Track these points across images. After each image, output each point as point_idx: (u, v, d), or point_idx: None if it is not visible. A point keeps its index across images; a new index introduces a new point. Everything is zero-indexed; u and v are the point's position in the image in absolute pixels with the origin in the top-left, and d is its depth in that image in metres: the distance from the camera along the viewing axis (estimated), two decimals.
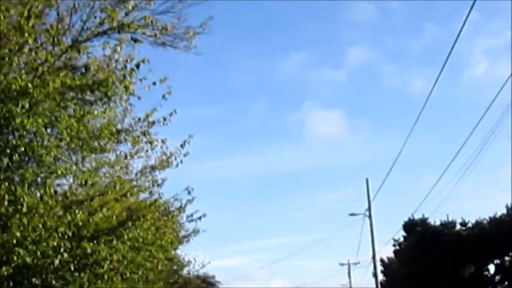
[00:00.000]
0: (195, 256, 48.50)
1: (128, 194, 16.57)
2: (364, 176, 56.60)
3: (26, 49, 13.07)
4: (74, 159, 15.01)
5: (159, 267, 21.08)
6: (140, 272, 18.28)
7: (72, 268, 14.42)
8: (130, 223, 16.08)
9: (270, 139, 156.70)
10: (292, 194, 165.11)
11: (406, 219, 62.62)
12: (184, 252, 42.98)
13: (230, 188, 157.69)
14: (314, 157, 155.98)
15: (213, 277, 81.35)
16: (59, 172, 13.55)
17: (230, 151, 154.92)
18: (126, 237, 15.81)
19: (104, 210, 15.23)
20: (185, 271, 48.99)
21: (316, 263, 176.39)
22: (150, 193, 19.73)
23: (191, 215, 20.78)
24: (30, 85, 12.45)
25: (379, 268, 53.78)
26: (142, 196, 19.91)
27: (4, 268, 13.25)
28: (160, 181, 19.85)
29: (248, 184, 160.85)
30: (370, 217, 45.64)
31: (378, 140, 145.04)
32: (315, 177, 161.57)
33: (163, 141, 17.61)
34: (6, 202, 12.60)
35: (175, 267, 40.57)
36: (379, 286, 47.01)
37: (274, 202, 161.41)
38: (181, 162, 18.67)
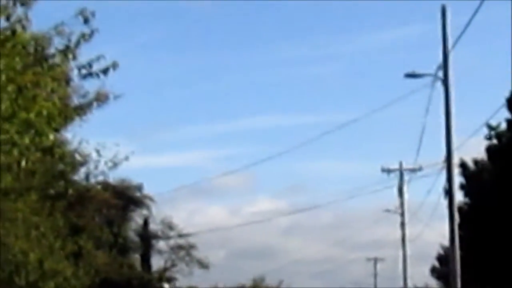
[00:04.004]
0: (99, 145, 31.68)
1: None
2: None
3: None
4: None
5: (23, 163, 14.82)
6: None
7: None
8: None
9: None
10: (294, 33, 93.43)
11: None
12: (78, 138, 30.10)
13: (176, 19, 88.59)
14: None
15: (140, 187, 52.86)
16: None
17: None
18: None
19: None
20: (81, 174, 34.08)
21: (336, 167, 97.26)
22: (8, 18, 13.61)
23: (89, 64, 14.22)
24: None
25: (457, 179, 29.95)
26: None
27: None
28: None
29: (209, 11, 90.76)
30: (445, 80, 26.76)
31: None
32: None
33: None
34: None
35: (60, 167, 29.50)
36: (456, 211, 27.47)
37: (260, 49, 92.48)
38: None
